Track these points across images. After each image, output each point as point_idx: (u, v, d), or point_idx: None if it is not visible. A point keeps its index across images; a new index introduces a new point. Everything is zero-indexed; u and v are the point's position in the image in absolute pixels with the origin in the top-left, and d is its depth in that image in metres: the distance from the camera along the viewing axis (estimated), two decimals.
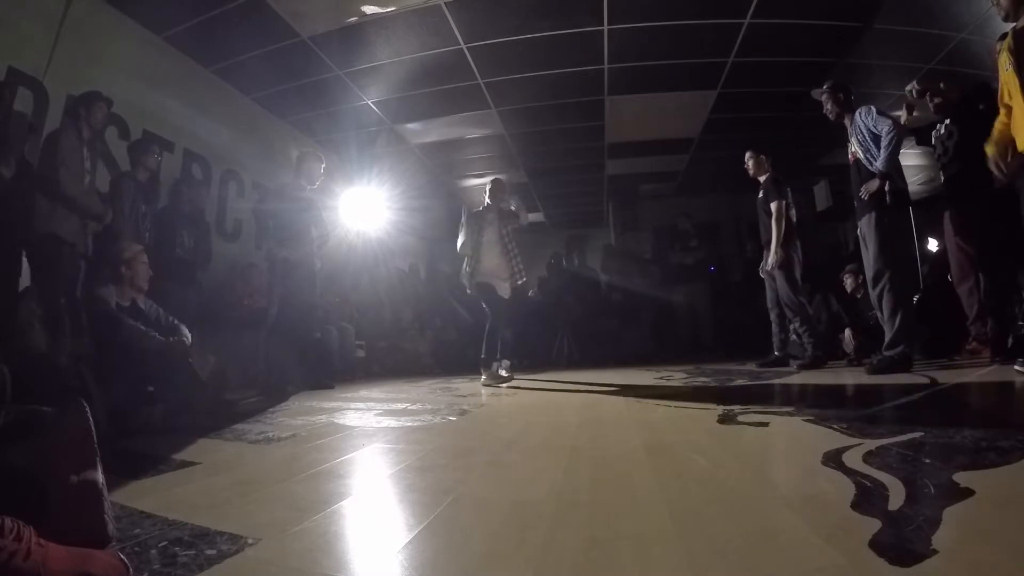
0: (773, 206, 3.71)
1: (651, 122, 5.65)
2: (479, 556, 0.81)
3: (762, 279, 4.01)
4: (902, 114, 3.17)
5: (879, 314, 3.05)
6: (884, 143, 2.91)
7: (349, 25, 3.87)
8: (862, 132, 3.04)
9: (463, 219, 3.88)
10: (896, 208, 2.95)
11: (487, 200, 3.92)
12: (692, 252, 6.46)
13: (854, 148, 3.13)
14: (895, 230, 2.96)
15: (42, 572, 0.66)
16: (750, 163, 3.95)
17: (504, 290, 3.75)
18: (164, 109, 3.89)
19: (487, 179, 4.13)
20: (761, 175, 3.92)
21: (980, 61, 3.94)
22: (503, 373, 3.69)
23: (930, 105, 3.12)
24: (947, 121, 3.13)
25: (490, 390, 3.23)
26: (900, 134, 2.91)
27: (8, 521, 0.67)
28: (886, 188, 2.91)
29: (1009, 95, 2.26)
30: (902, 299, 2.93)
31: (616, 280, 6.83)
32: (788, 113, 5.21)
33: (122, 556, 0.76)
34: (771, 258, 3.65)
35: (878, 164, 2.94)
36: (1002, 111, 2.32)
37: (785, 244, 3.66)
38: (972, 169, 2.92)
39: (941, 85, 3.08)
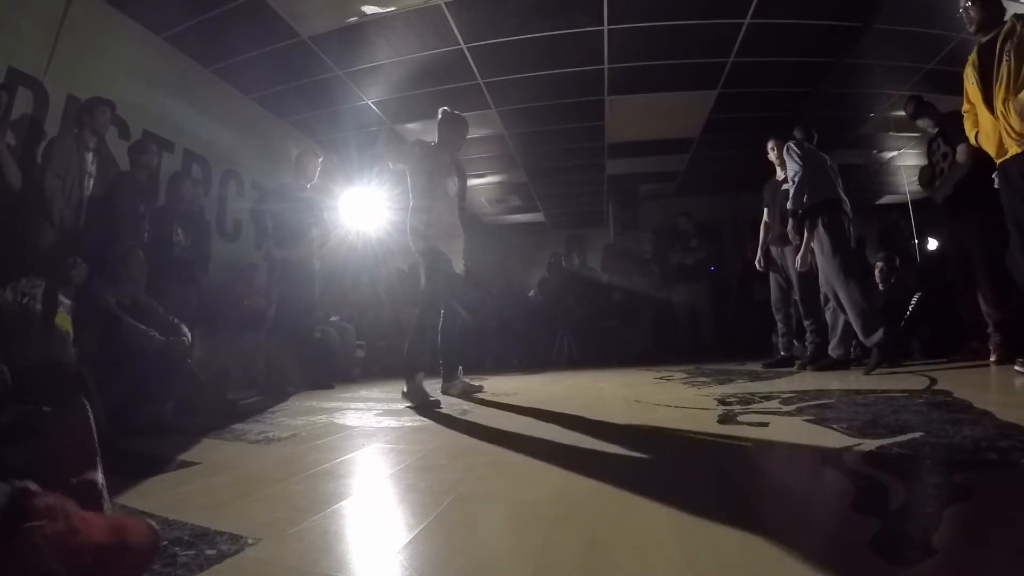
0: None
1: (651, 122, 5.65)
2: (479, 556, 0.81)
3: (763, 278, 3.98)
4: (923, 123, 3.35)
5: (829, 313, 3.39)
6: (792, 185, 3.29)
7: (349, 25, 3.87)
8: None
9: (411, 158, 2.83)
10: (831, 222, 3.19)
11: (440, 138, 2.95)
12: (692, 252, 6.45)
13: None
14: (835, 241, 3.16)
15: (86, 545, 0.68)
16: (774, 152, 3.80)
17: (459, 264, 2.88)
18: (164, 109, 3.90)
19: (441, 111, 3.04)
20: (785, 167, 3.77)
21: None
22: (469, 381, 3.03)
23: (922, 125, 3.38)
24: (940, 140, 3.21)
25: (489, 391, 3.20)
26: (805, 177, 3.23)
27: (52, 499, 0.68)
28: (801, 223, 3.27)
29: (970, 103, 2.41)
30: (856, 296, 3.10)
31: (616, 280, 6.83)
32: (788, 113, 5.21)
33: (152, 524, 0.78)
34: (799, 260, 3.47)
35: (789, 203, 3.33)
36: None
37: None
38: (968, 184, 2.99)
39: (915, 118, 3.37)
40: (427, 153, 2.84)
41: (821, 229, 3.19)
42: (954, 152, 3.08)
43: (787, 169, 3.39)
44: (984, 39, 2.31)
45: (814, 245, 3.27)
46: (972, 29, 2.35)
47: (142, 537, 0.75)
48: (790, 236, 3.42)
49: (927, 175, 3.35)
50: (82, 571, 0.66)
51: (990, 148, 2.35)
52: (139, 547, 0.74)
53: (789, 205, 3.33)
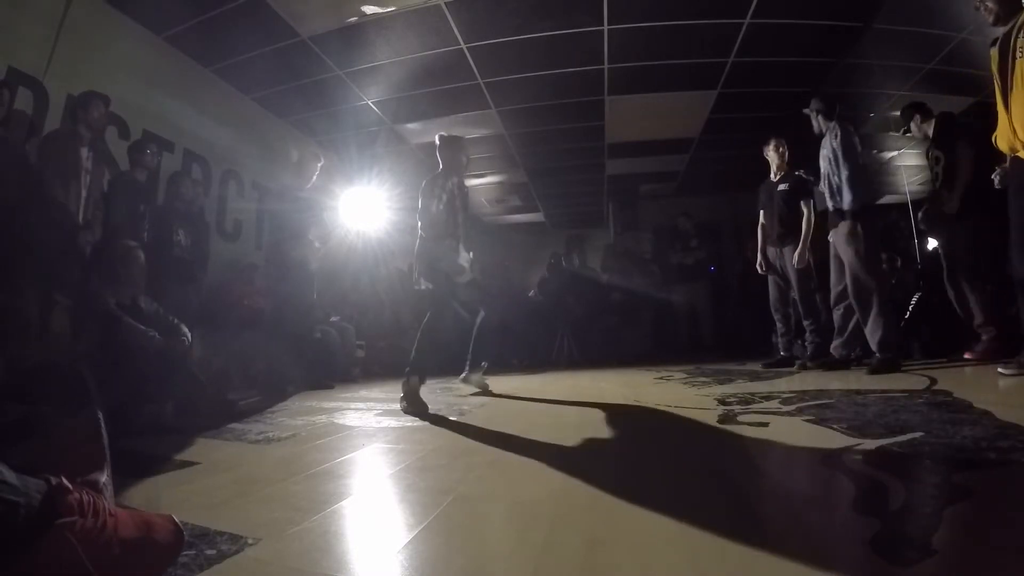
0: (805, 205, 3.61)
1: (651, 122, 5.64)
2: (479, 556, 0.81)
3: (762, 278, 3.99)
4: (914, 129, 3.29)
5: (840, 314, 3.30)
6: (847, 186, 3.05)
7: (349, 25, 3.87)
8: (831, 150, 3.17)
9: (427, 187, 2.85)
10: (870, 227, 3.09)
11: (443, 164, 2.95)
12: (692, 252, 6.46)
13: (822, 162, 3.27)
14: (872, 248, 3.10)
15: (115, 541, 0.69)
16: (774, 152, 3.79)
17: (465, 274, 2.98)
18: (164, 109, 3.89)
19: (438, 137, 3.02)
20: (784, 167, 3.79)
21: (980, 61, 3.94)
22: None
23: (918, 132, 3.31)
24: (932, 145, 3.19)
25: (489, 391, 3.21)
26: (859, 174, 3.06)
27: (85, 496, 0.69)
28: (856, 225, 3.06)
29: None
30: (886, 307, 3.05)
31: (616, 280, 6.84)
32: (788, 113, 5.21)
33: (176, 520, 0.79)
34: (797, 258, 3.53)
35: (845, 204, 3.07)
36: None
37: (812, 245, 3.58)
38: (955, 190, 2.99)
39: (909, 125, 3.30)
40: (434, 183, 2.84)
41: (860, 232, 3.06)
42: (946, 156, 3.07)
43: (839, 152, 3.09)
44: (1003, 31, 2.19)
45: (845, 246, 3.11)
46: (991, 20, 2.24)
47: (166, 533, 0.76)
48: (845, 236, 3.13)
49: (932, 189, 3.32)
50: (109, 565, 0.67)
51: (1003, 146, 2.27)
52: (163, 543, 0.76)
53: (847, 206, 3.05)
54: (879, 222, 3.24)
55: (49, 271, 2.74)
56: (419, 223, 2.84)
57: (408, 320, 5.81)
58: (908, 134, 3.42)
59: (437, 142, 2.99)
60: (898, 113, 3.45)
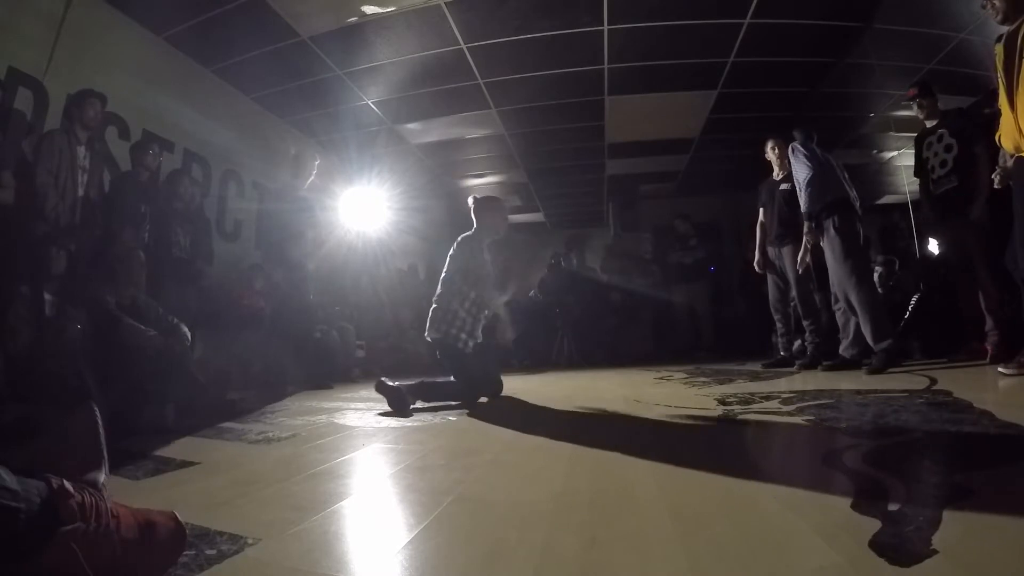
0: None
1: (651, 122, 5.65)
2: (479, 556, 0.81)
3: (762, 278, 3.98)
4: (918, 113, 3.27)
5: (840, 313, 3.35)
6: (802, 188, 3.30)
7: (349, 25, 3.87)
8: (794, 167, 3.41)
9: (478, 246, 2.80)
10: (843, 223, 3.17)
11: (478, 225, 2.87)
12: (692, 252, 6.46)
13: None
14: (847, 242, 3.14)
15: (117, 542, 0.69)
16: (774, 151, 3.81)
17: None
18: (164, 109, 3.89)
19: (472, 199, 2.95)
20: (786, 166, 3.76)
21: (980, 61, 3.95)
22: None
23: (920, 113, 3.22)
24: (944, 131, 3.09)
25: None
26: (814, 178, 3.24)
27: (86, 497, 0.69)
28: (812, 224, 3.29)
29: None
30: (869, 299, 3.09)
31: (616, 280, 6.84)
32: (788, 113, 5.22)
33: (178, 517, 0.79)
34: (798, 262, 3.54)
35: (802, 207, 3.33)
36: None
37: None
38: (969, 186, 2.93)
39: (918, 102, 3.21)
40: (465, 244, 2.81)
41: (832, 231, 3.14)
42: (959, 146, 3.00)
43: (795, 171, 3.35)
44: (1010, 29, 2.15)
45: (824, 246, 3.23)
46: (999, 19, 2.19)
47: (168, 531, 0.76)
48: (806, 237, 3.39)
49: (932, 179, 3.23)
50: (112, 567, 0.66)
51: (1008, 144, 2.25)
52: (166, 541, 0.75)
53: (804, 207, 3.29)
54: (853, 217, 3.21)
55: (45, 271, 2.74)
56: (443, 281, 2.80)
57: (408, 320, 5.82)
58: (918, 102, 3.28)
59: (471, 204, 2.90)
60: (907, 94, 3.37)
